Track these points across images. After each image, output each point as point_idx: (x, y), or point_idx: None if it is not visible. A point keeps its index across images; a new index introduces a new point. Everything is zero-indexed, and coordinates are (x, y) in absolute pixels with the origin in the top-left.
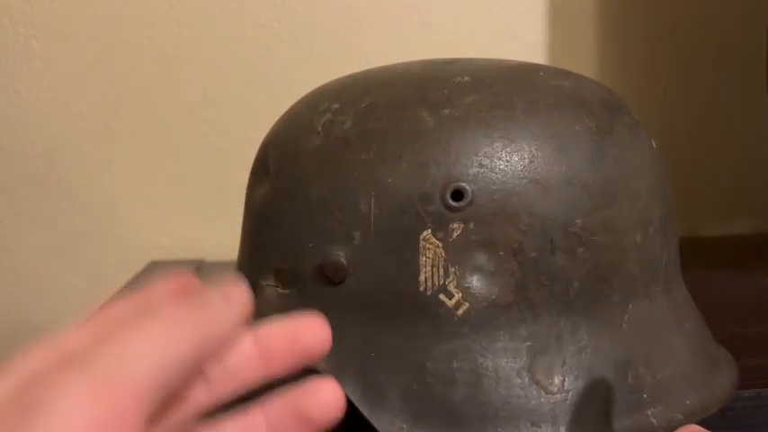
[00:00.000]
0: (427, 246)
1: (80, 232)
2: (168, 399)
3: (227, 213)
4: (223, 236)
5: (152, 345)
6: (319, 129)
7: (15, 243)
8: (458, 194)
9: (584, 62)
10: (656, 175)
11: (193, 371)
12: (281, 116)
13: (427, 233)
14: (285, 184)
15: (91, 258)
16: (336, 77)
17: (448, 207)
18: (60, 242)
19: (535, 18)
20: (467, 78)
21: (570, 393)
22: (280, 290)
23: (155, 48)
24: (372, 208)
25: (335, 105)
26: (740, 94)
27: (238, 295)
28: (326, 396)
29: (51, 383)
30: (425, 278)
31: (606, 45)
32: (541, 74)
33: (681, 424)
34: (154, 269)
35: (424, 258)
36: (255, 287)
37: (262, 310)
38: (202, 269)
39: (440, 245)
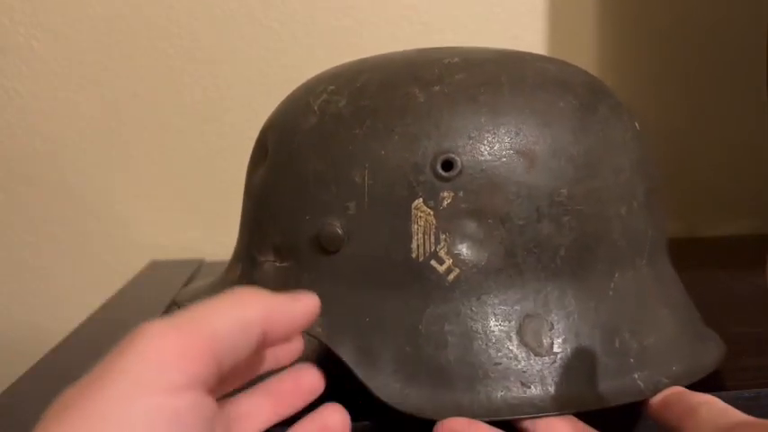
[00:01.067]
0: (419, 214)
1: (80, 232)
2: (234, 361)
3: (227, 213)
4: (223, 236)
5: (225, 309)
6: (316, 108)
7: (15, 243)
8: (448, 165)
9: (584, 62)
10: (640, 152)
11: (257, 340)
12: (281, 102)
13: (419, 202)
14: (282, 161)
15: (91, 258)
16: None
17: (438, 177)
18: (60, 242)
19: (535, 18)
20: (456, 59)
21: (558, 356)
22: (278, 264)
23: (155, 48)
24: (366, 179)
25: (331, 87)
26: (740, 94)
27: (307, 297)
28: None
29: (143, 329)
30: (417, 245)
31: (606, 45)
32: (528, 58)
33: (666, 387)
34: (154, 269)
35: (415, 226)
36: (254, 264)
37: (260, 284)
38: (202, 269)
39: (431, 213)
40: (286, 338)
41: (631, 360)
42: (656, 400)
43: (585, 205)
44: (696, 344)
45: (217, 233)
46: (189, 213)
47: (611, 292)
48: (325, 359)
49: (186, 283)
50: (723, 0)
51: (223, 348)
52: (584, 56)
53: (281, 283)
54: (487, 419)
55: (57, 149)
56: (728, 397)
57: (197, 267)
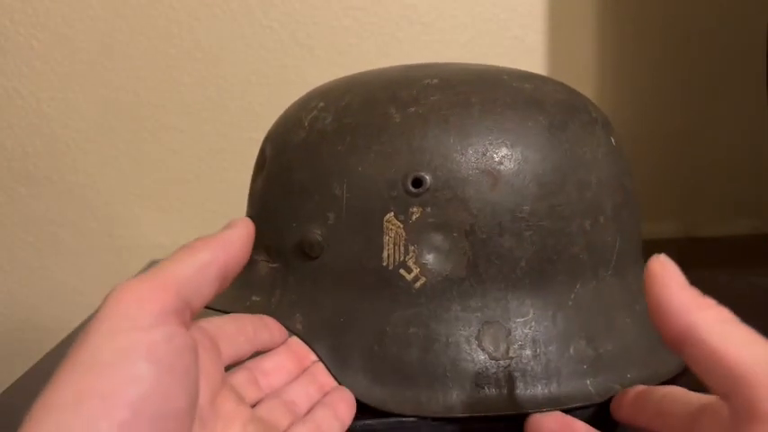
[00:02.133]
0: (390, 226)
1: (80, 232)
2: (201, 297)
3: (227, 213)
4: None
5: (182, 258)
6: (306, 124)
7: (15, 243)
8: (417, 182)
9: (584, 63)
10: (613, 168)
11: (216, 275)
12: (280, 116)
13: (390, 215)
14: (276, 171)
15: (91, 258)
16: (335, 77)
17: (408, 193)
18: (60, 242)
19: (535, 19)
20: (435, 81)
21: (513, 360)
22: (269, 264)
23: (155, 48)
24: (345, 192)
25: (321, 104)
26: (740, 94)
27: (240, 222)
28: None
29: (116, 287)
30: (388, 254)
31: (606, 45)
32: (505, 77)
33: (617, 392)
34: None
35: (387, 237)
36: (251, 262)
37: (255, 280)
38: None
39: (401, 226)
40: (243, 260)
41: (585, 366)
42: (622, 406)
43: (548, 220)
44: (659, 352)
45: None
46: (189, 213)
47: (570, 302)
48: None
49: None
50: (723, 0)
51: (187, 287)
52: (584, 56)
53: (271, 282)
54: (443, 416)
55: (57, 149)
56: None
57: None
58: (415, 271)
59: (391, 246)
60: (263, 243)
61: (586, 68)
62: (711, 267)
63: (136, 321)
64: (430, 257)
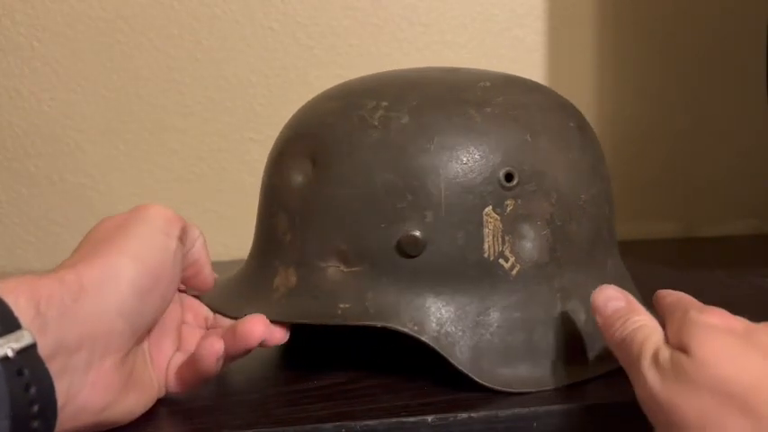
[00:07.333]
0: (489, 219)
1: (80, 232)
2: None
3: (227, 213)
4: (223, 236)
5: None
6: (376, 123)
7: (16, 243)
8: (509, 176)
9: (584, 63)
10: (604, 161)
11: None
12: (312, 115)
13: (489, 209)
14: (345, 173)
15: None
16: (336, 77)
17: (503, 187)
18: (61, 242)
19: (535, 18)
20: (488, 84)
21: (594, 328)
22: (344, 268)
23: (155, 48)
24: (442, 190)
25: (384, 103)
26: (740, 94)
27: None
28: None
29: (147, 205)
30: (488, 246)
31: (605, 46)
32: (529, 82)
33: None
34: None
35: (487, 230)
36: (314, 270)
37: (327, 288)
38: None
39: (498, 218)
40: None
41: None
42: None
43: (593, 207)
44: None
45: (217, 233)
46: (189, 213)
47: (605, 276)
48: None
49: None
50: (723, 0)
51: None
52: (584, 57)
53: (356, 286)
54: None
55: (57, 149)
56: None
57: None
58: (512, 259)
59: (491, 238)
60: (333, 248)
61: (586, 68)
62: (711, 267)
63: (167, 230)
64: (522, 246)
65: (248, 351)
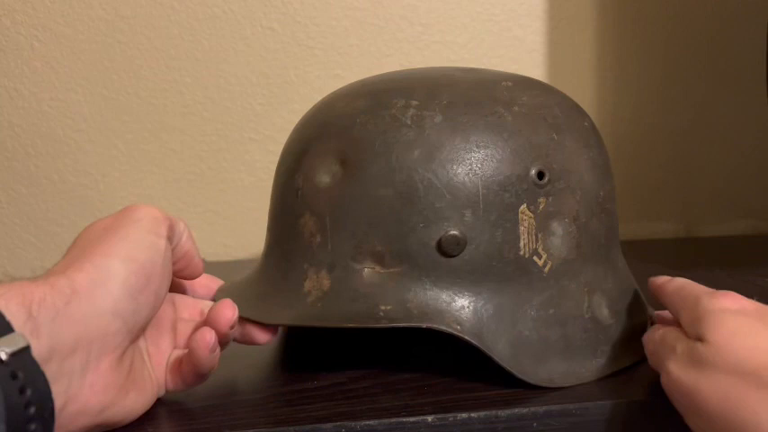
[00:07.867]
0: (524, 217)
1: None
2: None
3: (227, 213)
4: (223, 236)
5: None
6: (408, 122)
7: (16, 243)
8: (541, 175)
9: (584, 64)
10: None
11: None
12: (335, 113)
13: (524, 207)
14: (377, 172)
15: None
16: (335, 77)
17: (536, 185)
18: (61, 242)
19: (535, 18)
20: (510, 83)
21: (614, 321)
22: (380, 269)
23: (155, 48)
24: (480, 188)
25: (414, 102)
26: (740, 94)
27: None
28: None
29: (136, 205)
30: (524, 244)
31: (605, 46)
32: (539, 81)
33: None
34: None
35: (522, 228)
36: (350, 271)
37: (365, 291)
38: None
39: (532, 216)
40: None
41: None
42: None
43: (609, 204)
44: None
45: (217, 233)
46: (189, 213)
47: (618, 270)
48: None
49: None
50: (724, 0)
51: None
52: (584, 57)
53: (396, 288)
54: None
55: (57, 149)
56: None
57: None
58: (544, 256)
59: (526, 235)
60: (368, 249)
61: (586, 68)
62: (711, 267)
63: (156, 230)
64: (552, 243)
65: (225, 338)
